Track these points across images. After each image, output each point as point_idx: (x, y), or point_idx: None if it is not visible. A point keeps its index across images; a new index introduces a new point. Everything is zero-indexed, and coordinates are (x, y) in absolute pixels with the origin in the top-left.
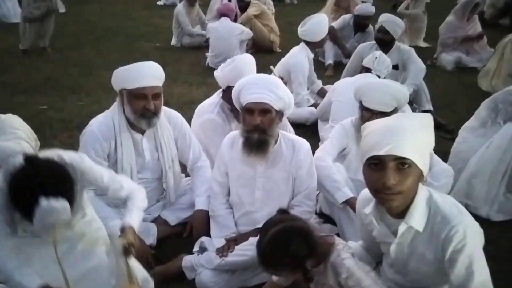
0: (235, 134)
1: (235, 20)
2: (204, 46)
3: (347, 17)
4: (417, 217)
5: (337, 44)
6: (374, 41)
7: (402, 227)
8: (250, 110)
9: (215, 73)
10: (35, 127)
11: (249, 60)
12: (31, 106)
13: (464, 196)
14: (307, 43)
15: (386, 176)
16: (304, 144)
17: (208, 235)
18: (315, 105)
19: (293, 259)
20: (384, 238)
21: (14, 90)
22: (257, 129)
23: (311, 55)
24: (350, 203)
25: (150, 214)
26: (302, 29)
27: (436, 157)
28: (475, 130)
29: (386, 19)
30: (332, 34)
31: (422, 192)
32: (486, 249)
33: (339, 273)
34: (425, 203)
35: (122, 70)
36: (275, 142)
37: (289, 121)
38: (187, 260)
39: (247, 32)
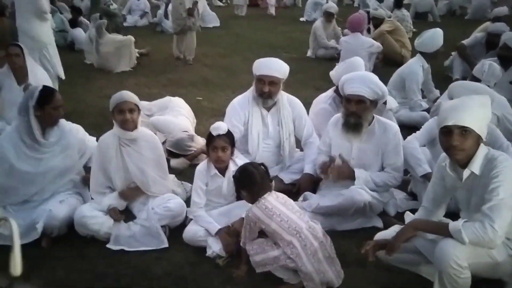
0: (339, 116)
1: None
2: (336, 58)
3: (479, 35)
4: (476, 165)
5: (466, 60)
6: (496, 58)
7: (466, 173)
8: (348, 99)
9: (331, 72)
10: (193, 111)
11: (359, 62)
12: (191, 97)
13: None
14: (422, 54)
15: (452, 139)
16: (393, 126)
17: (311, 192)
18: (428, 110)
19: (236, 183)
20: (454, 183)
21: (178, 84)
22: (353, 114)
23: (426, 65)
24: (428, 178)
25: (271, 173)
26: (418, 41)
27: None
28: None
29: (509, 36)
30: (462, 50)
31: (482, 149)
32: None
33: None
34: (483, 156)
35: (256, 61)
36: (370, 124)
37: (400, 123)
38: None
39: (377, 46)
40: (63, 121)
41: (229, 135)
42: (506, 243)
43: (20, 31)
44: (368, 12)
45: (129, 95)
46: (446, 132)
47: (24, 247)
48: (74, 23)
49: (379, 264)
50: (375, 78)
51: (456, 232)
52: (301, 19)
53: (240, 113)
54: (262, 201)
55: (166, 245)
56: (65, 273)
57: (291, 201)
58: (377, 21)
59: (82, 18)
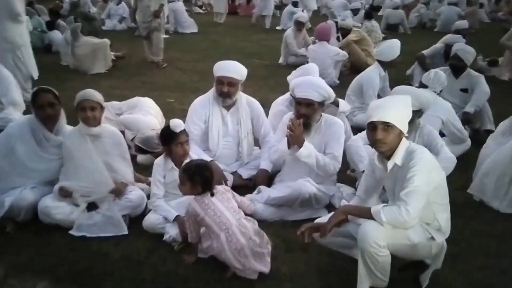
0: (291, 114)
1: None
2: None
3: (438, 46)
4: (398, 157)
5: (425, 70)
6: (448, 67)
7: (389, 164)
8: (299, 103)
9: (288, 77)
10: (164, 112)
11: (313, 68)
12: (162, 99)
13: (478, 192)
14: (380, 62)
15: (377, 134)
16: (337, 121)
17: (267, 186)
18: None
19: (188, 173)
20: (382, 174)
21: (151, 87)
22: (303, 116)
23: (383, 73)
24: None
25: (230, 169)
26: (376, 50)
27: (445, 148)
28: (496, 138)
29: (460, 47)
30: (421, 60)
31: (404, 143)
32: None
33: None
34: (404, 149)
35: (216, 63)
36: (318, 121)
37: (358, 126)
38: (248, 197)
39: (342, 54)
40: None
41: (185, 130)
42: (425, 227)
43: None
44: (337, 22)
45: (91, 94)
46: (372, 127)
47: None
48: (52, 26)
49: (320, 250)
50: (321, 82)
51: (376, 214)
52: (278, 27)
53: (201, 111)
54: (201, 196)
55: (126, 232)
56: (28, 258)
57: (231, 197)
58: (344, 31)
59: (60, 21)
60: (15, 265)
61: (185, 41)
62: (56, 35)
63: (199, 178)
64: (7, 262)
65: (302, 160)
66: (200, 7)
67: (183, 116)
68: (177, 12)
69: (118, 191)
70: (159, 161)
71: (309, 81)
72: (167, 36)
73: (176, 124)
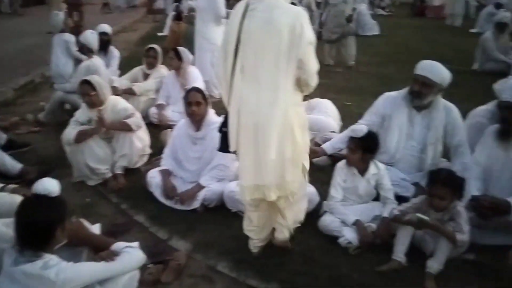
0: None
1: None
2: (506, 73)
3: None
4: None
5: None
6: None
7: None
8: (507, 107)
9: (495, 86)
10: (341, 114)
11: None
12: (339, 102)
13: None
14: None
15: None
16: None
17: None
18: None
19: None
20: None
21: (329, 89)
22: (507, 122)
23: None
24: None
25: (411, 179)
26: None
27: None
28: None
29: None
30: None
31: None
32: None
33: None
34: None
35: (419, 62)
36: None
37: None
38: None
39: None
40: None
41: (368, 138)
42: None
43: (197, 33)
44: None
45: None
46: None
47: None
48: None
49: None
50: None
51: None
52: (472, 30)
53: (384, 105)
54: None
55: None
56: (213, 237)
57: None
58: None
59: None
60: (201, 242)
61: (367, 44)
62: None
63: None
64: (194, 238)
65: None
66: (383, 8)
67: (359, 117)
68: (360, 14)
69: None
70: (342, 164)
71: None
72: None
73: (355, 128)
